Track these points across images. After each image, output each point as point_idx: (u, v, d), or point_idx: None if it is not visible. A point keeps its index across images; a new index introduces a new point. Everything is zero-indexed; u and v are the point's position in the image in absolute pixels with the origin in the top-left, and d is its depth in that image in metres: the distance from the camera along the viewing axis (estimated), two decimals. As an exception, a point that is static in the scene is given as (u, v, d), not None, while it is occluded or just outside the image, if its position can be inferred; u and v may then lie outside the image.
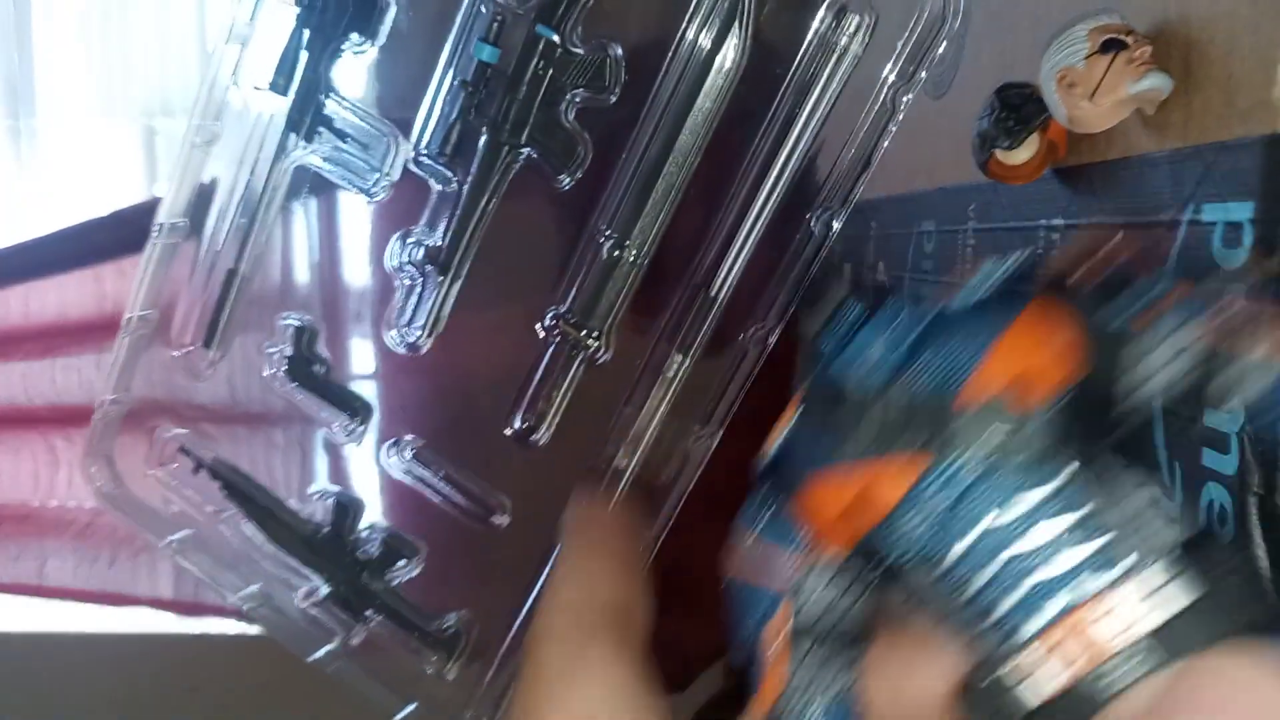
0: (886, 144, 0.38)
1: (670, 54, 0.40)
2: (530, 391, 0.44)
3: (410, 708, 0.47)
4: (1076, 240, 0.34)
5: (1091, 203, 0.48)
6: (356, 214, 0.47)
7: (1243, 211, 0.37)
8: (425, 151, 0.44)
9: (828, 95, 0.38)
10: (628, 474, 0.43)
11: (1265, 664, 0.25)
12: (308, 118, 0.45)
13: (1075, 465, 0.27)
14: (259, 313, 0.49)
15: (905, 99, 0.38)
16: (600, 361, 0.43)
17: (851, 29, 0.38)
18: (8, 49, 1.74)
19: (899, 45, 0.37)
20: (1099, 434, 0.28)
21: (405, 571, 0.48)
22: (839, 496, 0.28)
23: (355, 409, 0.49)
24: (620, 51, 0.41)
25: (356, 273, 0.50)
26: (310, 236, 0.50)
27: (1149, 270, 0.30)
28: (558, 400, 0.44)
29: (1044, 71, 0.44)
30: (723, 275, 0.40)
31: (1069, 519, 0.27)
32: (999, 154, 0.48)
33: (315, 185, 0.47)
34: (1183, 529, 0.27)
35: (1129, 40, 0.41)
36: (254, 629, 1.54)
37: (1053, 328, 0.28)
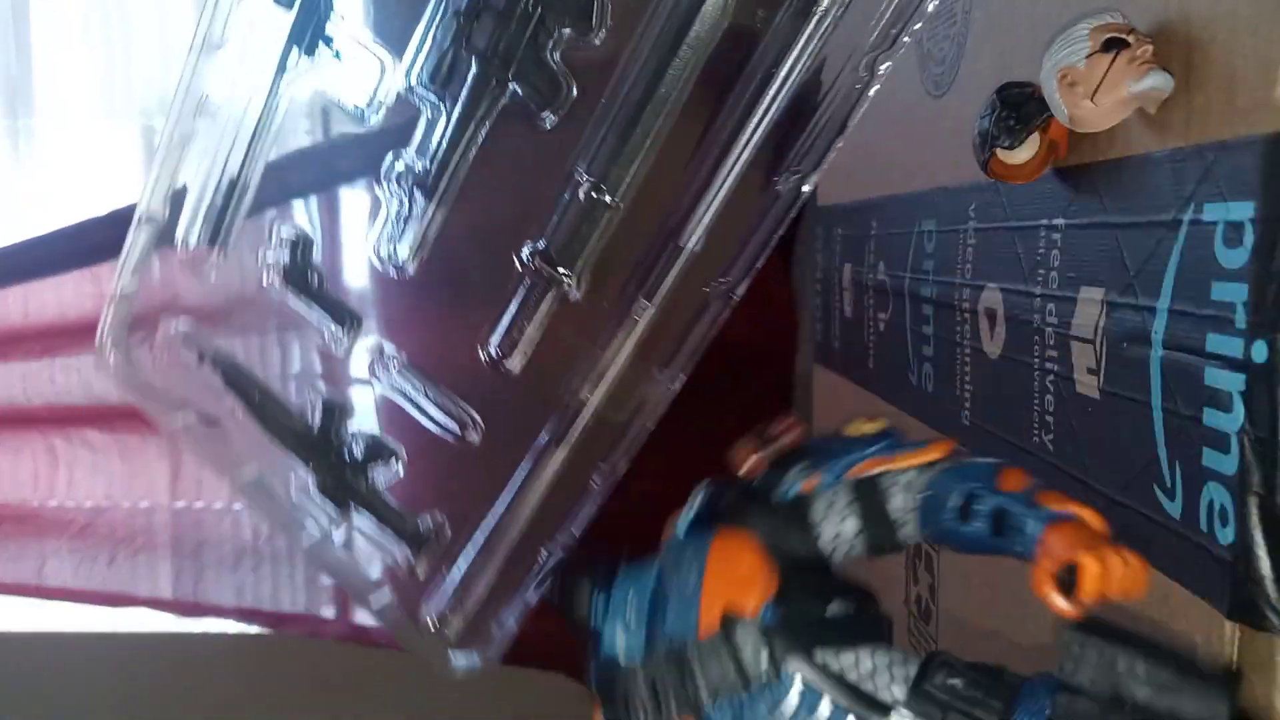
0: (863, 110, 0.38)
1: (657, 1, 0.41)
2: (506, 321, 0.47)
3: (386, 597, 0.51)
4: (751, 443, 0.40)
5: (1092, 202, 0.48)
6: (350, 135, 0.49)
7: (1244, 211, 0.37)
8: (419, 79, 0.45)
9: (805, 56, 0.39)
10: (589, 409, 0.45)
11: None
12: (309, 34, 0.46)
13: (801, 671, 0.33)
14: (259, 222, 0.51)
15: (884, 66, 0.38)
16: (572, 299, 0.45)
17: (834, -11, 0.39)
18: (6, 48, 1.74)
19: (881, 8, 0.38)
20: (824, 596, 0.34)
21: (384, 473, 0.51)
22: None
23: (345, 319, 0.52)
24: None
25: (349, 193, 0.52)
26: (307, 155, 0.52)
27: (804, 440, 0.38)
28: (530, 332, 0.46)
29: (1045, 70, 0.44)
30: (693, 227, 0.42)
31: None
32: (1000, 153, 0.48)
33: (312, 105, 0.49)
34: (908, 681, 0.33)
35: (1130, 39, 0.41)
36: (253, 629, 1.54)
37: (736, 555, 0.34)
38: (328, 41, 0.47)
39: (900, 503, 0.36)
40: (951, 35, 0.65)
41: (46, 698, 1.70)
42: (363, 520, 0.51)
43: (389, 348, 0.51)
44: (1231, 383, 0.37)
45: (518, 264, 0.45)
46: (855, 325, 0.87)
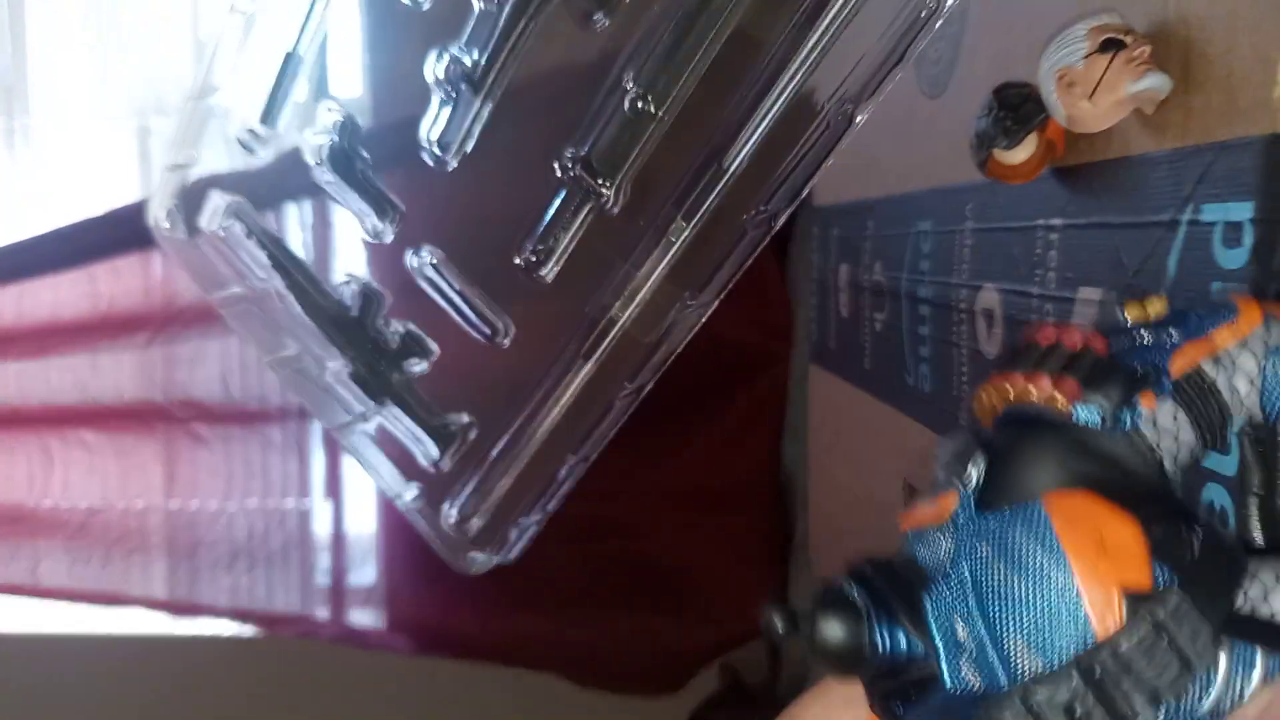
0: (923, 45, 0.37)
1: None
2: (541, 228, 0.45)
3: (414, 490, 0.50)
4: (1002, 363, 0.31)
5: (1090, 202, 0.48)
6: (400, 21, 0.48)
7: (1243, 211, 0.37)
8: None
9: None
10: (618, 326, 0.44)
11: None
12: None
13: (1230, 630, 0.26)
14: (309, 104, 0.51)
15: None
16: (609, 212, 0.44)
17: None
18: (2, 48, 1.73)
19: None
20: (1188, 526, 0.27)
21: (417, 367, 0.51)
22: None
23: (386, 209, 0.50)
24: None
25: (397, 81, 0.51)
26: (359, 40, 0.52)
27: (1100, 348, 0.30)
28: (565, 242, 0.45)
29: (1043, 71, 0.44)
30: (737, 149, 0.40)
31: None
32: (997, 153, 0.48)
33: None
34: None
35: (1128, 40, 0.41)
36: (248, 630, 1.53)
37: (1091, 523, 0.26)
38: None
39: (1239, 385, 0.29)
40: (948, 35, 0.65)
41: (41, 699, 1.70)
42: (393, 412, 0.51)
43: (426, 242, 0.50)
44: (1230, 383, 0.37)
45: (557, 169, 0.44)
46: (852, 325, 0.87)
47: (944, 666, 0.27)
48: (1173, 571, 0.26)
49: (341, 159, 0.50)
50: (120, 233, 1.32)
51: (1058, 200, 0.50)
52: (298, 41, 0.49)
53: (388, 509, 1.48)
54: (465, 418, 0.50)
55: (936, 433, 0.67)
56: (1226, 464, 0.37)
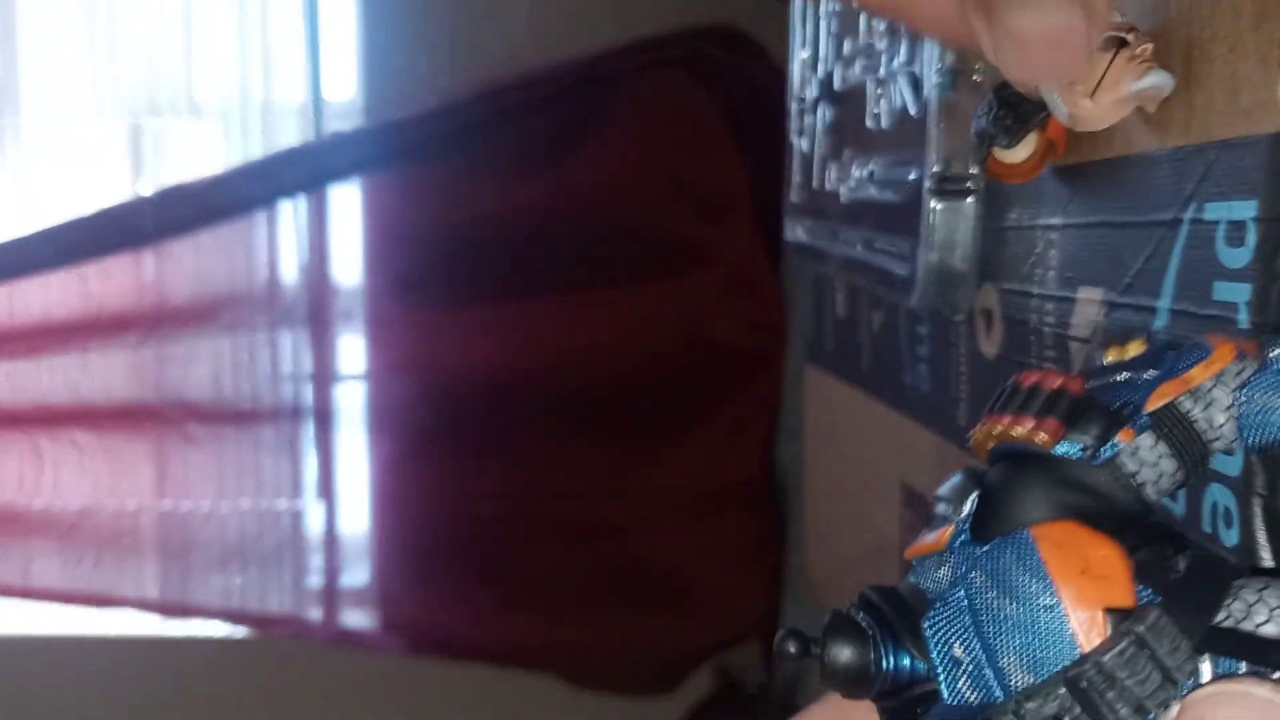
0: None
1: None
2: None
3: None
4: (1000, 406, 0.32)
5: (1091, 201, 0.48)
6: None
7: (1246, 210, 0.37)
8: None
9: None
10: None
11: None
12: None
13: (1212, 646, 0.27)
14: None
15: None
16: None
17: None
18: (-7, 46, 1.73)
19: None
20: (1172, 550, 0.29)
21: None
22: None
23: None
24: None
25: None
26: None
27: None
28: None
29: (1043, 69, 0.44)
30: None
31: None
32: (997, 152, 0.47)
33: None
34: None
35: (1130, 38, 0.41)
36: (240, 630, 1.52)
37: (1073, 545, 0.28)
38: None
39: (1215, 418, 0.31)
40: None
41: (32, 701, 1.69)
42: None
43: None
44: (1233, 383, 0.37)
45: None
46: (849, 325, 0.87)
47: (943, 684, 0.29)
48: (1155, 591, 0.28)
49: None
50: (111, 232, 1.32)
51: (1059, 199, 0.50)
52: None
53: (380, 509, 1.48)
54: None
55: (935, 433, 0.67)
56: (1230, 465, 0.37)
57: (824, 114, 0.79)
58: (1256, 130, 0.36)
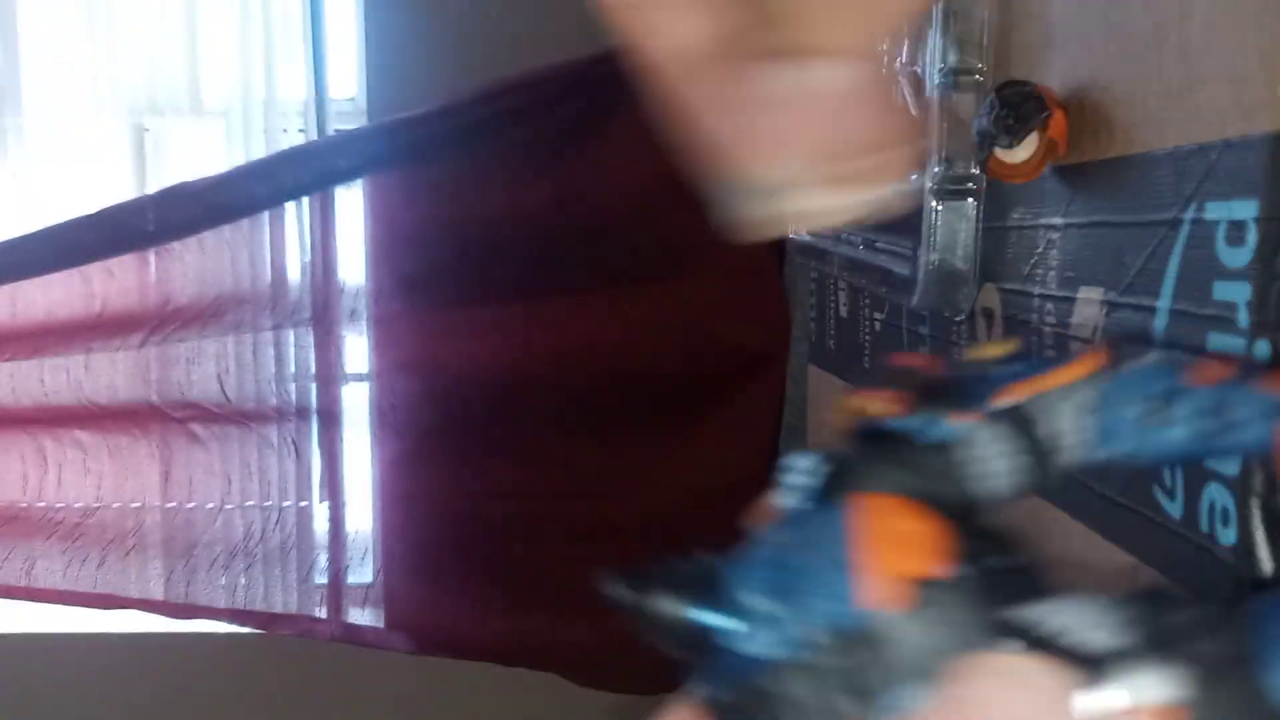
0: None
1: None
2: None
3: None
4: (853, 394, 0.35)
5: (1092, 201, 0.48)
6: None
7: (1247, 210, 0.37)
8: None
9: None
10: None
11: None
12: None
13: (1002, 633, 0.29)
14: None
15: None
16: None
17: None
18: (-5, 47, 1.73)
19: None
20: (997, 547, 0.31)
21: None
22: None
23: None
24: None
25: None
26: None
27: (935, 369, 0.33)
28: None
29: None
30: None
31: None
32: (999, 152, 0.47)
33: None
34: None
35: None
36: (245, 630, 1.52)
37: (892, 516, 0.30)
38: None
39: (1064, 424, 0.32)
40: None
41: (38, 698, 1.69)
42: None
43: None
44: (1234, 383, 0.36)
45: None
46: (851, 325, 0.87)
47: (746, 636, 0.31)
48: (956, 572, 0.29)
49: None
50: (113, 232, 1.32)
51: (1060, 199, 0.50)
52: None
53: (385, 508, 1.48)
54: None
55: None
56: (1228, 465, 0.37)
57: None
58: (1258, 129, 0.37)
